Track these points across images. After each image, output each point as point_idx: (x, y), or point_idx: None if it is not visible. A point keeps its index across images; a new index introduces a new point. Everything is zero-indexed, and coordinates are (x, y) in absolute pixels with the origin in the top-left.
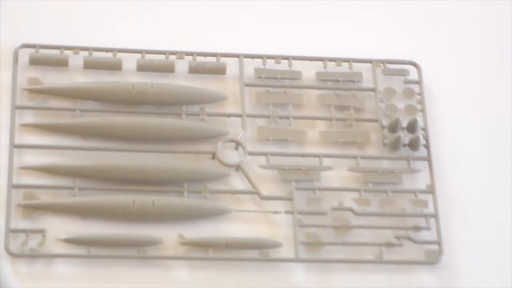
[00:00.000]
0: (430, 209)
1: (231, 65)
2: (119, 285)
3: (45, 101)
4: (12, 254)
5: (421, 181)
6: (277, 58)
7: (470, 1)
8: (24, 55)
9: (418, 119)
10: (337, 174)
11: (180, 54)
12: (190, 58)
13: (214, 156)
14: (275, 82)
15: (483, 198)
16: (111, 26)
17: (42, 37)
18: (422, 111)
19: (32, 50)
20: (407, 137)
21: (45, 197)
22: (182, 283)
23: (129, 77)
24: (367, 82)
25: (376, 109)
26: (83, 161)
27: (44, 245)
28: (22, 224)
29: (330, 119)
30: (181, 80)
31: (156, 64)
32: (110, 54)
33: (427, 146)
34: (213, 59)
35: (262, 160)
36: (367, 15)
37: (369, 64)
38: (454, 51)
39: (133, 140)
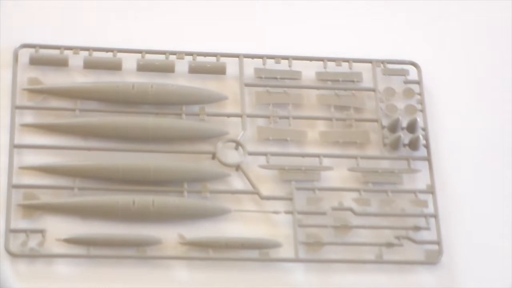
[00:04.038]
0: (430, 209)
1: (231, 65)
2: (119, 285)
3: (45, 101)
4: (12, 254)
5: (421, 181)
6: (277, 58)
7: (470, 2)
8: (24, 55)
9: (418, 119)
10: (337, 174)
11: (180, 54)
12: (190, 58)
13: (214, 156)
14: (275, 82)
15: (483, 198)
16: (111, 26)
17: (42, 37)
18: (422, 111)
19: (32, 50)
20: (407, 137)
21: (45, 197)
22: (182, 283)
23: (129, 77)
24: (367, 82)
25: (376, 109)
26: (83, 161)
27: (44, 245)
28: (22, 224)
29: (330, 119)
30: (181, 80)
31: (156, 64)
32: (110, 54)
33: (427, 146)
34: (213, 59)
35: (262, 160)
36: (367, 15)
37: (369, 64)
38: (454, 51)
39: (133, 140)
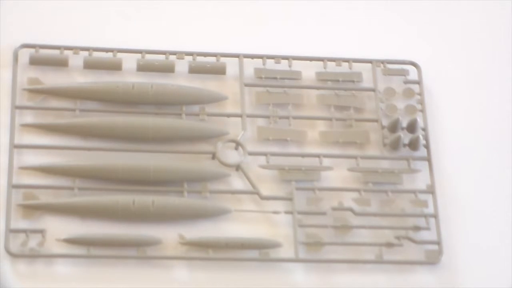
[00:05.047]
0: (430, 209)
1: (231, 65)
2: (119, 285)
3: (45, 101)
4: (12, 254)
5: (421, 181)
6: (277, 58)
7: (470, 1)
8: (24, 55)
9: (418, 119)
10: (337, 174)
11: (180, 54)
12: (190, 58)
13: (214, 156)
14: (275, 82)
15: (483, 198)
16: (111, 26)
17: (42, 37)
18: (422, 111)
19: (32, 50)
20: (407, 137)
21: (45, 197)
22: (182, 283)
23: (129, 77)
24: (367, 82)
25: (376, 109)
26: (83, 161)
27: (44, 245)
28: (22, 224)
29: (330, 119)
30: (181, 80)
31: (156, 64)
32: (110, 54)
33: (427, 146)
34: (213, 59)
35: (262, 160)
36: (367, 15)
37: (369, 64)
38: (454, 51)
39: (133, 140)
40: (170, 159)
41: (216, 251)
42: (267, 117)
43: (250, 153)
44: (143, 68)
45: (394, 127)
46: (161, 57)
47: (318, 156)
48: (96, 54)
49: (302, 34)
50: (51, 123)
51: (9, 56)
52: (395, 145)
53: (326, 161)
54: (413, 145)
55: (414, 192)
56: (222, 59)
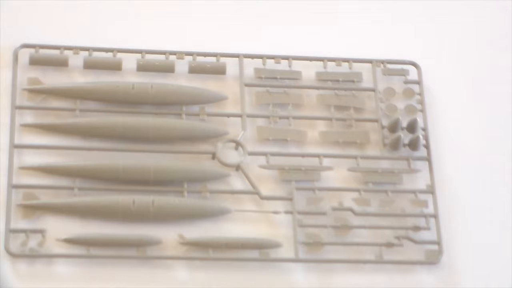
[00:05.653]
0: (430, 209)
1: (231, 65)
2: (119, 285)
3: (45, 101)
4: (12, 254)
5: (421, 181)
6: (277, 58)
7: (470, 2)
8: (24, 55)
9: (418, 119)
10: (337, 174)
11: (180, 54)
12: (190, 58)
13: (214, 156)
14: (275, 82)
15: (483, 198)
16: (111, 26)
17: (42, 37)
18: (422, 111)
19: (32, 50)
20: (407, 137)
21: (45, 197)
22: (182, 283)
23: (129, 77)
24: (367, 82)
25: (376, 109)
26: (83, 161)
27: (44, 245)
28: (22, 224)
29: (330, 119)
30: (181, 80)
31: (156, 64)
32: (110, 54)
33: (427, 146)
34: (213, 59)
35: (262, 160)
36: (367, 15)
37: (369, 64)
38: (454, 51)
39: (133, 140)
40: (170, 159)
41: (216, 251)
42: (267, 117)
43: (250, 153)
44: (143, 68)
45: (394, 127)
46: (161, 57)
47: (318, 156)
48: (96, 54)
49: (302, 34)
50: (51, 123)
51: (9, 56)
52: (395, 145)
53: (326, 161)
54: (413, 145)
55: (414, 192)
56: (222, 59)
